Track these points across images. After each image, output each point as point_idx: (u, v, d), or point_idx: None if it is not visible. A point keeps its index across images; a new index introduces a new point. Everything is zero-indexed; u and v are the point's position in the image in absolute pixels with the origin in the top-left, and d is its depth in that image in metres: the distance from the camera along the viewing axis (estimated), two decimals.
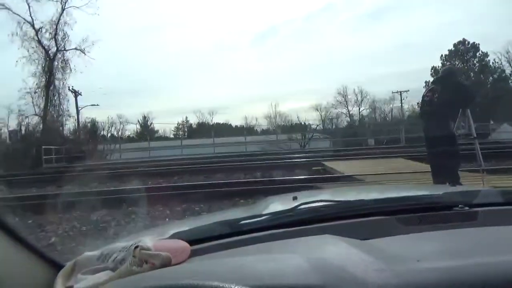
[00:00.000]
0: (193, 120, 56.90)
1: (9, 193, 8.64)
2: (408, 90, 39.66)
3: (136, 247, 0.75)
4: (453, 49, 43.17)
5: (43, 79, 22.50)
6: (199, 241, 0.93)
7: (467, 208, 0.95)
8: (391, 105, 47.53)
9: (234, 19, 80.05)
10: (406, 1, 71.10)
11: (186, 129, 56.13)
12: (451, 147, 4.69)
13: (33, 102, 22.45)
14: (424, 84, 36.17)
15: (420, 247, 0.72)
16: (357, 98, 49.10)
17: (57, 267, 0.84)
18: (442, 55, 43.11)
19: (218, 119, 62.50)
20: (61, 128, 24.38)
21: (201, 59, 77.57)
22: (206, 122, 55.44)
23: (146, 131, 49.32)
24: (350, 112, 49.12)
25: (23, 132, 22.98)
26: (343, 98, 48.56)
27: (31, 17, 22.14)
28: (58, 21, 22.64)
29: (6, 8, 21.64)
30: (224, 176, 9.85)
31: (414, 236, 0.82)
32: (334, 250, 0.71)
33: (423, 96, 5.07)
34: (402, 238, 0.81)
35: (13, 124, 25.61)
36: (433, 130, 4.80)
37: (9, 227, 0.68)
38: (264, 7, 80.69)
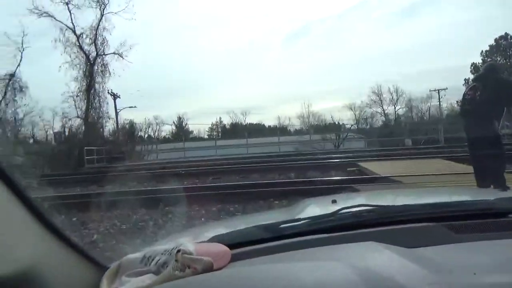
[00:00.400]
0: (227, 121, 57.55)
1: (55, 192, 9.08)
2: (447, 88, 38.07)
3: (178, 251, 0.75)
4: (494, 44, 41.07)
5: (84, 83, 23.55)
6: (239, 245, 0.92)
7: None
8: (429, 104, 45.83)
9: (267, 18, 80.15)
10: None
11: (219, 130, 56.84)
12: (495, 147, 4.45)
13: (75, 105, 23.56)
14: (464, 82, 34.63)
15: (475, 258, 0.68)
16: (392, 97, 47.70)
17: (100, 267, 0.86)
18: (482, 51, 41.14)
19: (251, 119, 62.80)
20: (101, 129, 25.40)
21: (234, 59, 78.21)
22: (239, 123, 55.91)
23: (181, 131, 50.42)
24: (385, 111, 47.82)
25: (66, 133, 24.12)
26: (377, 97, 47.35)
27: (73, 24, 23.26)
28: (98, 26, 23.62)
29: (50, 15, 22.82)
30: (258, 176, 9.87)
31: (467, 246, 0.77)
32: (380, 258, 0.68)
33: (464, 95, 4.85)
34: (453, 247, 0.76)
35: (57, 126, 26.98)
36: (476, 130, 4.58)
37: (55, 226, 0.70)
38: (296, 6, 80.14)
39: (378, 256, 0.70)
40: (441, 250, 0.74)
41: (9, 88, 23.64)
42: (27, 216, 0.63)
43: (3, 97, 23.42)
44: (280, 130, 44.12)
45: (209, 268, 0.74)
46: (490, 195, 1.18)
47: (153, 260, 0.81)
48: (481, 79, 4.74)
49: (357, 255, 0.73)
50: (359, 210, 1.03)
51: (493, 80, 4.55)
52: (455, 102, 35.28)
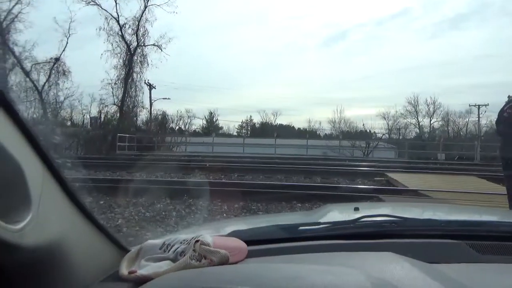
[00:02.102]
0: (257, 120, 57.62)
1: (86, 174, 9.42)
2: (488, 104, 36.51)
3: (197, 241, 0.77)
4: None
5: (123, 72, 24.24)
6: (257, 242, 0.93)
7: None
8: (467, 119, 44.06)
9: (305, 21, 79.26)
10: (488, 8, 65.38)
11: (249, 128, 57.04)
12: None
13: (112, 93, 24.29)
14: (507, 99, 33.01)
15: (497, 280, 0.66)
16: (428, 109, 46.15)
17: (122, 249, 0.89)
18: None
19: (282, 120, 62.67)
20: (135, 118, 26.09)
21: (270, 59, 78.00)
22: (269, 123, 55.84)
23: (211, 126, 50.97)
24: (420, 123, 46.41)
25: (102, 119, 24.96)
26: (413, 108, 45.97)
27: (117, 13, 23.93)
28: (140, 18, 24.21)
29: (96, 4, 23.61)
30: (283, 177, 9.85)
31: (489, 267, 0.74)
32: (398, 271, 0.67)
33: (501, 111, 4.61)
34: (475, 267, 0.74)
35: (94, 112, 27.89)
36: (510, 150, 4.36)
37: (85, 207, 0.74)
38: (335, 10, 79.11)
39: (395, 268, 0.69)
40: (462, 269, 0.73)
41: (53, 71, 24.67)
42: (58, 192, 0.67)
43: (47, 79, 24.47)
44: (310, 133, 43.78)
45: (224, 261, 0.76)
46: None
47: (172, 247, 0.84)
48: None
49: (374, 264, 0.72)
50: (381, 220, 1.01)
51: None
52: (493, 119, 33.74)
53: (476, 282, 0.63)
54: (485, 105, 36.84)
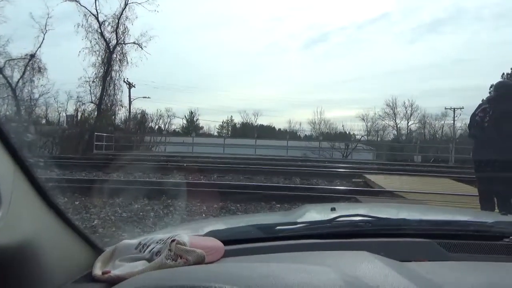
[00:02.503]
0: (238, 120, 57.66)
1: (61, 173, 9.20)
2: (463, 107, 37.72)
3: (173, 240, 0.77)
4: None
5: (101, 70, 23.77)
6: (234, 242, 0.93)
7: None
8: (443, 122, 45.47)
9: (287, 22, 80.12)
10: (464, 14, 67.61)
11: (230, 128, 56.94)
12: (503, 172, 4.37)
13: (90, 91, 23.75)
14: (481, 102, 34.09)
15: (465, 278, 0.68)
16: (406, 112, 47.35)
17: (97, 250, 0.88)
18: (503, 73, 40.55)
19: (262, 121, 62.86)
20: (113, 117, 25.59)
21: (251, 60, 78.53)
22: (250, 123, 55.96)
23: (192, 126, 50.64)
24: (398, 125, 47.47)
25: (78, 118, 24.38)
26: (391, 110, 47.04)
27: (96, 11, 23.44)
28: (120, 15, 23.80)
29: (75, 0, 23.08)
30: (263, 178, 9.87)
31: (458, 265, 0.77)
32: (370, 269, 0.69)
33: (474, 115, 4.74)
34: (443, 264, 0.77)
35: (70, 110, 27.23)
36: (482, 153, 4.50)
37: (58, 207, 0.73)
38: (317, 12, 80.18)
39: (368, 266, 0.70)
40: (433, 267, 0.75)
41: (28, 68, 23.98)
42: (30, 191, 0.65)
43: (22, 76, 23.77)
44: (290, 134, 44.05)
45: (200, 261, 0.76)
46: (489, 218, 1.18)
47: (148, 247, 0.83)
48: (492, 100, 4.61)
49: (348, 263, 0.73)
50: (356, 220, 1.03)
51: (504, 101, 4.42)
52: (465, 124, 34.86)
53: (444, 280, 0.65)
54: (460, 108, 38.04)
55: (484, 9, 64.90)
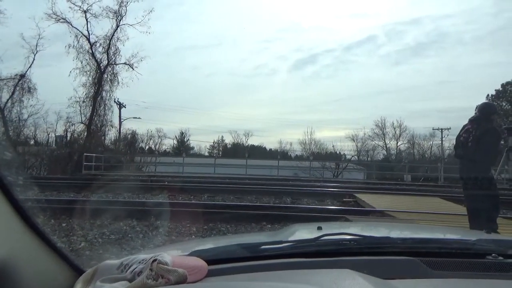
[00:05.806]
0: (229, 140, 57.66)
1: (48, 194, 9.04)
2: (450, 128, 38.41)
3: (154, 260, 0.76)
4: (501, 89, 41.53)
5: (92, 90, 23.75)
6: (218, 262, 0.93)
7: (501, 258, 0.90)
8: (431, 142, 46.05)
9: (276, 44, 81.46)
10: (446, 38, 69.79)
11: (221, 148, 56.89)
12: (488, 191, 4.44)
13: (80, 111, 23.66)
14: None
15: None
16: (395, 132, 47.95)
17: (79, 271, 0.86)
18: (488, 95, 41.56)
19: (253, 141, 62.88)
20: (103, 137, 25.43)
21: (241, 80, 79.06)
22: (241, 143, 56.01)
23: (182, 146, 50.49)
24: (387, 145, 47.93)
25: (68, 138, 24.17)
26: (380, 131, 47.61)
27: (88, 32, 23.66)
28: (112, 37, 24.01)
29: (67, 22, 23.25)
30: (253, 198, 9.81)
31: (440, 282, 0.77)
32: (353, 286, 0.69)
33: (458, 136, 4.87)
34: (427, 282, 0.77)
35: (60, 130, 27.04)
36: (468, 172, 4.59)
37: (37, 226, 0.72)
38: (305, 35, 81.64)
39: (351, 284, 0.70)
40: (415, 284, 0.75)
41: (17, 88, 23.89)
42: (8, 210, 0.65)
43: (11, 96, 23.64)
44: (281, 154, 44.14)
45: (182, 280, 0.75)
46: (475, 236, 1.19)
47: (130, 267, 0.82)
48: (475, 121, 4.72)
49: (331, 281, 0.73)
50: (341, 238, 1.04)
51: (486, 124, 4.55)
52: (451, 144, 35.47)
53: None
54: (448, 129, 38.71)
55: (465, 33, 67.02)
